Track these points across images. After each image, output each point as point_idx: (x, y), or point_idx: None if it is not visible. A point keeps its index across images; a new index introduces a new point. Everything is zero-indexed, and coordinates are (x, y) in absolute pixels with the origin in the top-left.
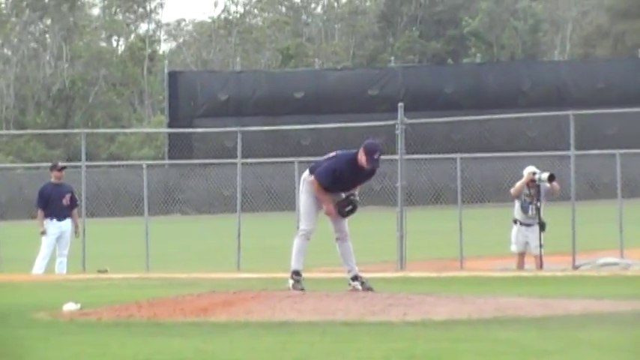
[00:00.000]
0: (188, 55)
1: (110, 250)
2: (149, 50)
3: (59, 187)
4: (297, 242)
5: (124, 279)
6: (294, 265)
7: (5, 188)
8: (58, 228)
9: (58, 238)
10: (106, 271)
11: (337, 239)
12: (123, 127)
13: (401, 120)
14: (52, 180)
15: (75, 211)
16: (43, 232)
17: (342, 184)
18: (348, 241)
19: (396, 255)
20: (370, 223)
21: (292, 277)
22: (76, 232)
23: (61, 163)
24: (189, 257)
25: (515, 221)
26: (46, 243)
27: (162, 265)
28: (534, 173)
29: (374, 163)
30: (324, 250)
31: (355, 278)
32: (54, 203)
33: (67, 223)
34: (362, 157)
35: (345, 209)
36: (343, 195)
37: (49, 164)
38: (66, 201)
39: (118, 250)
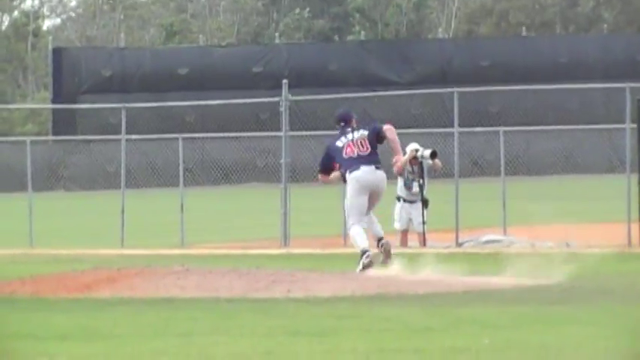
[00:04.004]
0: (72, 32)
1: None
2: (33, 26)
3: None
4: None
5: (7, 255)
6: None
7: None
8: None
9: None
10: None
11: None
12: (6, 102)
13: (285, 97)
14: None
15: None
16: None
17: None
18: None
19: (280, 231)
20: (254, 200)
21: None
22: None
23: None
24: (72, 233)
25: (398, 198)
26: None
27: (45, 242)
28: (417, 150)
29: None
30: (209, 227)
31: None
32: None
33: None
34: None
35: None
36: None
37: None
38: None
39: (0, 226)
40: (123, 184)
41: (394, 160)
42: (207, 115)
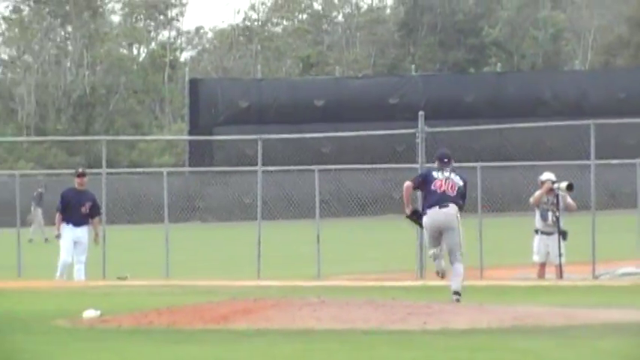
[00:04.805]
0: (208, 63)
1: (130, 256)
2: (170, 57)
3: (80, 194)
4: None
5: (144, 286)
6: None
7: (26, 195)
8: (72, 232)
9: (75, 244)
10: (126, 278)
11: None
12: (143, 134)
13: (421, 128)
14: (76, 186)
15: (96, 220)
16: (58, 236)
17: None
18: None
19: (416, 264)
20: (389, 232)
21: None
22: (95, 240)
23: (81, 169)
24: (209, 265)
25: (536, 231)
26: (63, 247)
27: (182, 273)
28: (553, 182)
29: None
30: (344, 258)
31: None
32: (72, 209)
33: (82, 230)
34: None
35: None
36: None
37: (70, 171)
38: (85, 209)
39: (137, 257)
40: (259, 215)
41: None
42: (343, 146)
